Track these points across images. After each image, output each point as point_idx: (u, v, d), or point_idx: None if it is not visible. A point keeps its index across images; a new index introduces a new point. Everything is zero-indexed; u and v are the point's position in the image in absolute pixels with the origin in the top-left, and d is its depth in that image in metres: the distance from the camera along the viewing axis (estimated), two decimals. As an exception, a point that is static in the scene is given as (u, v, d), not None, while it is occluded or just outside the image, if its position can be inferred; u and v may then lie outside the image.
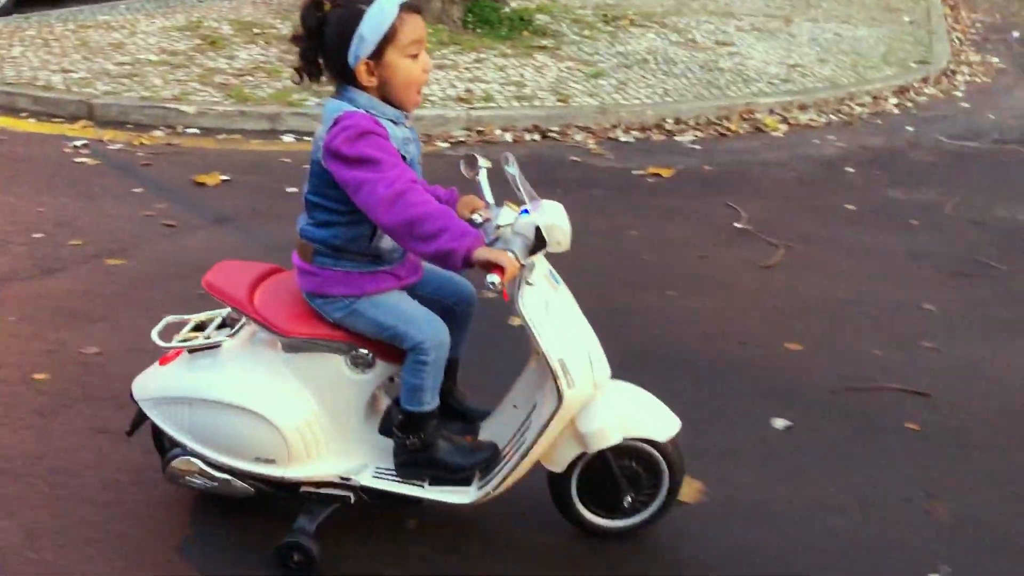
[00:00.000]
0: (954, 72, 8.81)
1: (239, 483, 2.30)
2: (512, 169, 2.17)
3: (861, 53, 8.80)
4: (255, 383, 2.22)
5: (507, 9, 8.76)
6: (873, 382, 3.29)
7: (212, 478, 2.29)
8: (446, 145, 5.84)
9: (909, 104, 7.65)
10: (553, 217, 2.07)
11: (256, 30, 8.12)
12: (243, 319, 2.31)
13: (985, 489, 2.73)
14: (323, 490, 2.30)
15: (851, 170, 5.87)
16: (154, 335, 2.31)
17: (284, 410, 2.20)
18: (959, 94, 8.13)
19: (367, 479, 2.28)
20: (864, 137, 6.65)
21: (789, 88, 7.42)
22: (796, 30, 9.63)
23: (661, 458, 2.31)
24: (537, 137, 6.15)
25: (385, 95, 2.05)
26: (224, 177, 5.08)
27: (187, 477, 2.31)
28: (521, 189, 2.13)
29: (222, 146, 5.73)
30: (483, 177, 2.26)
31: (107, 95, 6.23)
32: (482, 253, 1.90)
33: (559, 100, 6.60)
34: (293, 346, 2.23)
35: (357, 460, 2.30)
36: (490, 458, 2.26)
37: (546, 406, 2.15)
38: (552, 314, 2.13)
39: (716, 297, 3.96)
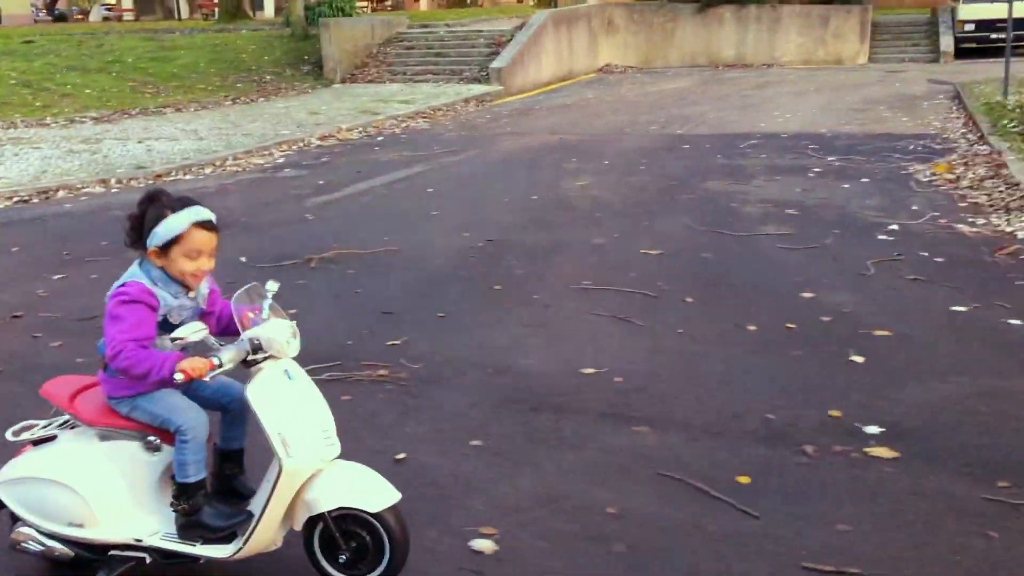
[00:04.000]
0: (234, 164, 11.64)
1: (61, 547, 2.95)
2: (270, 289, 2.91)
3: (140, 162, 11.46)
4: (71, 463, 2.92)
5: None
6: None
7: (41, 543, 2.96)
8: None
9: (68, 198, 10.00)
10: (272, 332, 2.81)
11: None
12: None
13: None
14: (124, 552, 2.95)
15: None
16: (8, 434, 3.06)
17: (89, 484, 2.89)
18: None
19: (156, 541, 2.92)
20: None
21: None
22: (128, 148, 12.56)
23: (380, 527, 2.85)
24: None
25: (171, 275, 2.85)
26: None
27: (23, 543, 2.99)
28: (265, 308, 2.88)
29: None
30: (266, 301, 2.91)
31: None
32: (180, 365, 2.67)
33: None
34: (103, 435, 2.95)
35: (150, 526, 2.94)
36: (245, 520, 2.88)
37: (272, 474, 2.81)
38: (280, 399, 2.81)
39: None
